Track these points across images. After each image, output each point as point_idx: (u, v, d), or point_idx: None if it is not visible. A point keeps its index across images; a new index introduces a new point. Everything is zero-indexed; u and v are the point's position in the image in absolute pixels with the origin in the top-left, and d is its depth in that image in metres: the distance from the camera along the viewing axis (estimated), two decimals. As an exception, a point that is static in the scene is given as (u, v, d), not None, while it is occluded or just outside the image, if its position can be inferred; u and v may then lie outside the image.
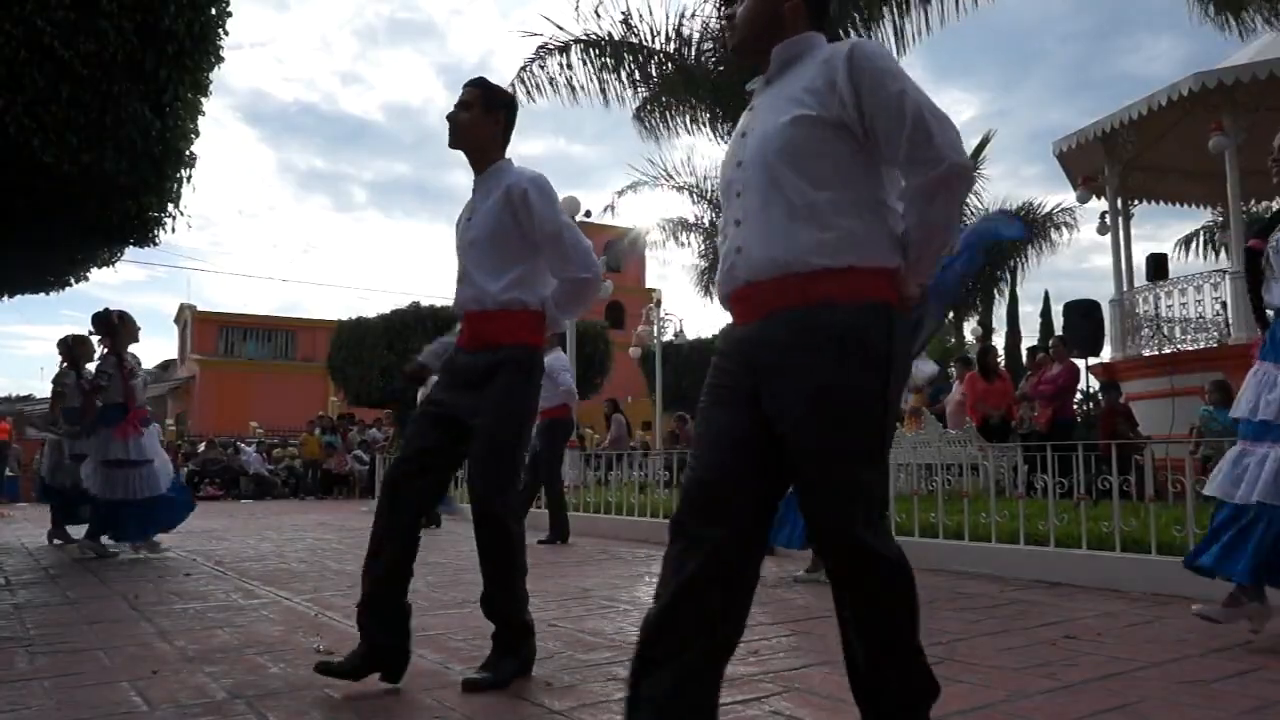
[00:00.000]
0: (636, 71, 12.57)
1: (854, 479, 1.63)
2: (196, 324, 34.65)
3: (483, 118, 2.82)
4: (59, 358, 7.24)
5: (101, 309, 6.35)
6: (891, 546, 1.67)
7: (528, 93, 12.48)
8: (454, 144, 2.86)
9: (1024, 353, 20.33)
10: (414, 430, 2.83)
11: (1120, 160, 11.40)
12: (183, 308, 36.24)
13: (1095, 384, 11.17)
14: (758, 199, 1.74)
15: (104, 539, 6.24)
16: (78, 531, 6.64)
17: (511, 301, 2.74)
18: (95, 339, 6.42)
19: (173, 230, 7.73)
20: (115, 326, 6.27)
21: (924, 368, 6.60)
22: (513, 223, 2.75)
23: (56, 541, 7.25)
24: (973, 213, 19.73)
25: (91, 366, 6.61)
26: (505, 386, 2.72)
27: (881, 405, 1.66)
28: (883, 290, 1.68)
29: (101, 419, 6.18)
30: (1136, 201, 12.47)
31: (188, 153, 7.09)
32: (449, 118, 2.84)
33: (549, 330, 2.90)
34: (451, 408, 2.75)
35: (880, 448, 1.70)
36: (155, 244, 7.70)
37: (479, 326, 2.78)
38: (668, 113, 13.00)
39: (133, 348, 6.43)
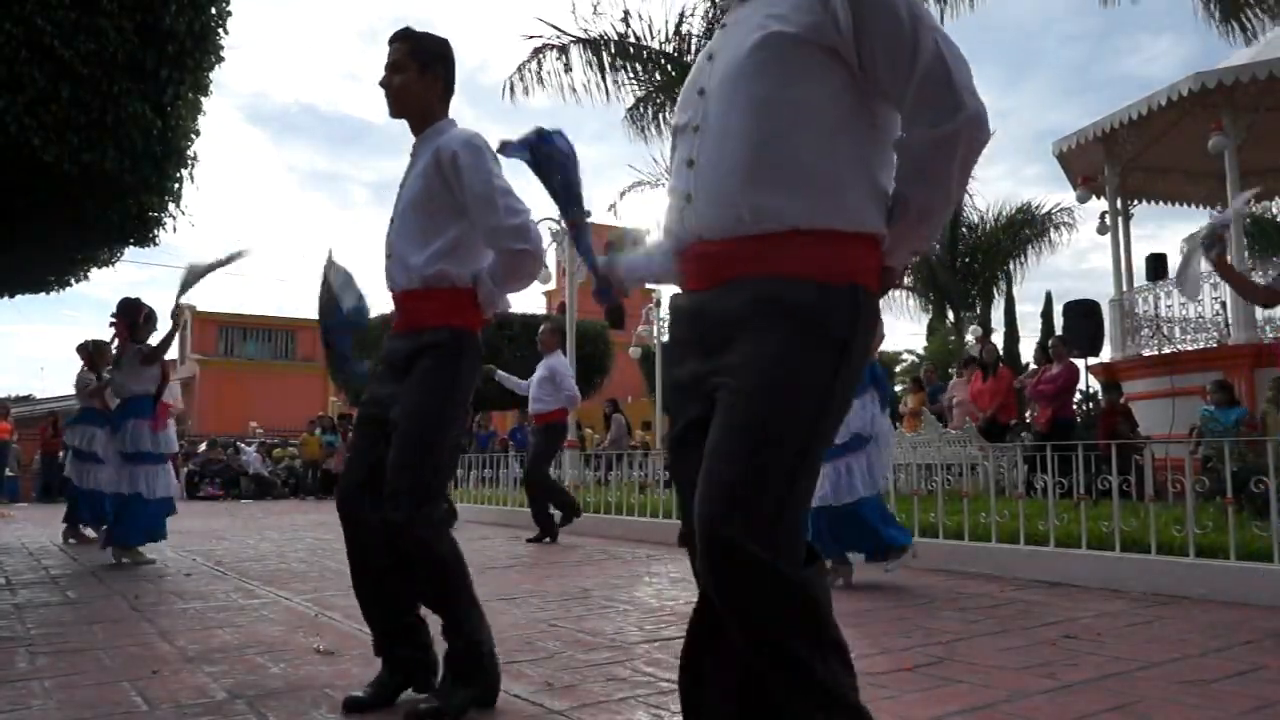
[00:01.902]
0: (636, 69, 12.58)
1: (765, 466, 1.35)
2: (196, 324, 34.60)
3: (419, 79, 2.51)
4: (80, 361, 7.28)
5: (134, 297, 6.26)
6: (792, 562, 1.37)
7: (525, 91, 12.50)
8: (394, 113, 2.55)
9: (1022, 352, 20.36)
10: (355, 443, 2.56)
11: (1120, 160, 11.40)
12: (182, 308, 36.22)
13: (1095, 384, 11.17)
14: (717, 136, 1.46)
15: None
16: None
17: (437, 276, 2.45)
18: (112, 328, 6.26)
19: (174, 230, 7.74)
20: (137, 321, 6.18)
21: None
22: (441, 187, 2.44)
23: (71, 540, 7.31)
24: (977, 214, 19.73)
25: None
26: (424, 376, 2.41)
27: (824, 398, 1.41)
28: (857, 264, 1.44)
29: (131, 410, 6.04)
30: (1136, 201, 12.47)
31: (189, 152, 7.09)
32: (382, 84, 2.52)
33: (487, 311, 2.55)
34: (380, 405, 2.49)
35: (810, 443, 1.41)
36: (155, 244, 7.70)
37: (406, 306, 2.50)
38: (662, 113, 13.01)
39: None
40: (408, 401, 2.41)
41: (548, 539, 7.36)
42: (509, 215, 2.41)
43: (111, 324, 6.22)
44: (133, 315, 6.17)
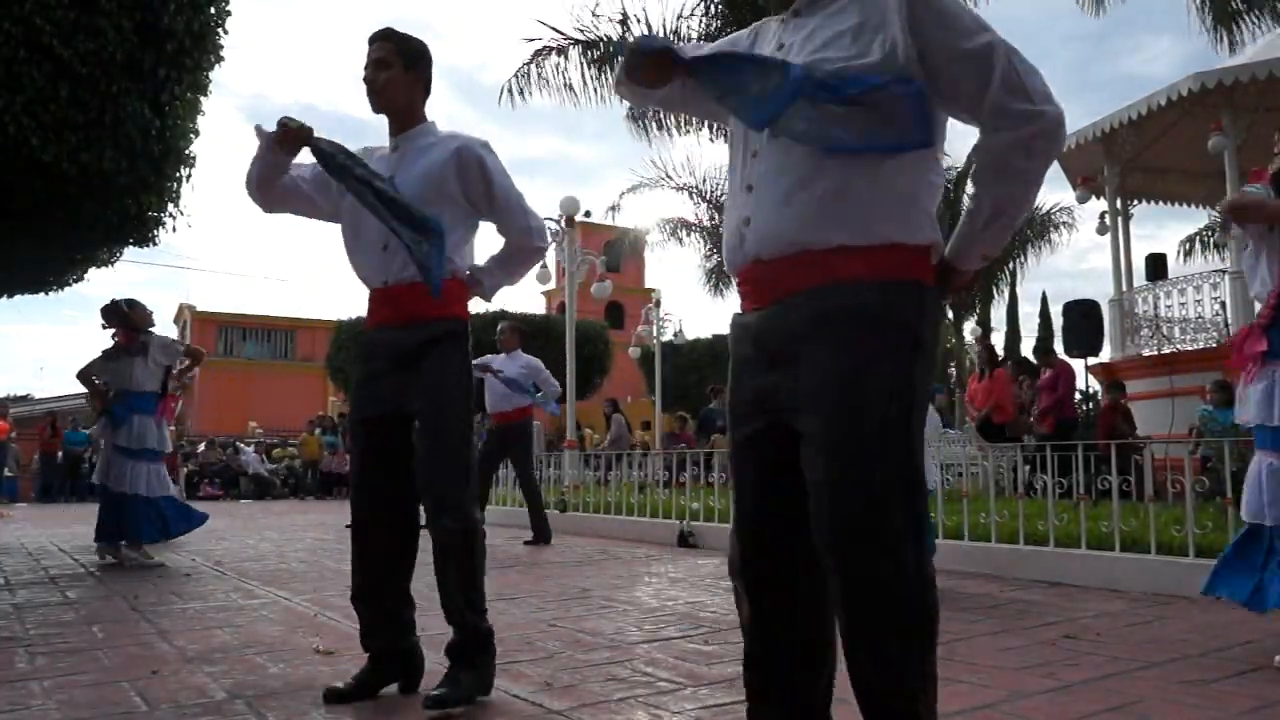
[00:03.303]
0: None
1: (879, 478, 1.41)
2: (195, 324, 34.59)
3: (404, 77, 2.60)
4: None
5: (108, 301, 6.13)
6: (928, 569, 1.46)
7: (524, 94, 12.50)
8: (377, 108, 2.62)
9: (1024, 354, 20.33)
10: (367, 445, 2.59)
11: (1119, 160, 11.41)
12: (182, 308, 36.19)
13: (1095, 384, 11.18)
14: (775, 161, 1.52)
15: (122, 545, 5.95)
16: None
17: (447, 268, 2.52)
18: (109, 332, 6.14)
19: (173, 230, 7.71)
20: (126, 315, 6.07)
21: None
22: (456, 187, 2.56)
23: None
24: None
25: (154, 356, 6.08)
26: (444, 366, 2.50)
27: (909, 393, 1.45)
28: (915, 269, 1.49)
29: (134, 406, 5.92)
30: (1136, 201, 12.48)
31: (187, 152, 7.09)
32: (367, 80, 2.59)
33: (479, 296, 2.70)
34: (389, 403, 2.54)
35: (910, 444, 1.46)
36: (155, 244, 7.69)
37: (406, 298, 2.53)
38: (662, 111, 13.00)
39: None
40: (437, 393, 2.49)
41: (542, 541, 7.31)
42: (534, 218, 2.69)
43: (113, 333, 6.11)
44: (120, 313, 6.05)
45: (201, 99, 7.07)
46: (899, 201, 1.49)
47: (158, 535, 6.05)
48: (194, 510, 6.46)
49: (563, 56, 12.51)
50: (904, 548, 1.41)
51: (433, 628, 3.10)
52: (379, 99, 2.61)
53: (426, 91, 2.70)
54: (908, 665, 1.43)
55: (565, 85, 12.51)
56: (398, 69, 2.59)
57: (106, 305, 6.14)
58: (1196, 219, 17.63)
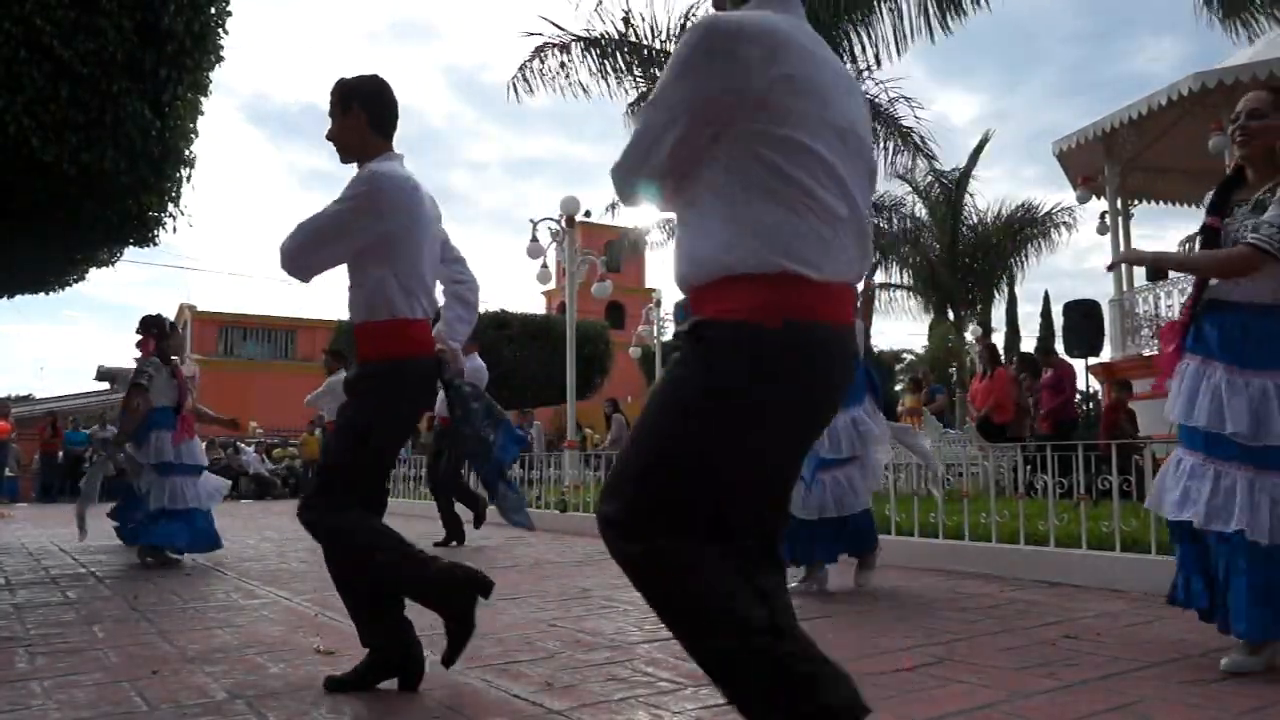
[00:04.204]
0: (637, 69, 12.57)
1: (628, 460, 1.60)
2: (196, 324, 34.58)
3: (343, 121, 2.67)
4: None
5: (154, 313, 6.15)
6: (638, 533, 1.68)
7: (528, 90, 12.52)
8: (342, 159, 2.73)
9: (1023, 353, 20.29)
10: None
11: (1120, 160, 11.41)
12: (182, 308, 36.18)
13: (1095, 384, 11.17)
14: (680, 200, 1.64)
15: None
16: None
17: (365, 310, 2.65)
18: (137, 339, 6.08)
19: (173, 230, 7.73)
20: (163, 333, 6.06)
21: None
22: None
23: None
24: (977, 214, 19.71)
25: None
26: (354, 404, 2.69)
27: (685, 414, 1.52)
28: (748, 305, 1.47)
29: (151, 422, 5.88)
30: (1136, 201, 12.47)
31: (188, 153, 7.10)
32: (327, 137, 2.71)
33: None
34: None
35: (669, 445, 1.54)
36: (155, 244, 7.71)
37: (360, 338, 2.69)
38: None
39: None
40: (339, 426, 2.79)
41: (455, 542, 7.23)
42: (289, 240, 2.63)
43: (138, 341, 6.08)
44: (159, 328, 6.06)
45: (202, 99, 7.08)
46: (738, 233, 1.49)
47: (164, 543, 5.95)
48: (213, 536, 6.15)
49: (565, 53, 12.51)
50: (629, 509, 1.67)
51: (432, 628, 3.09)
52: (337, 151, 2.72)
53: (377, 122, 2.68)
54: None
55: (575, 81, 12.51)
56: (337, 115, 2.68)
57: (150, 316, 6.11)
58: (1197, 219, 17.57)
